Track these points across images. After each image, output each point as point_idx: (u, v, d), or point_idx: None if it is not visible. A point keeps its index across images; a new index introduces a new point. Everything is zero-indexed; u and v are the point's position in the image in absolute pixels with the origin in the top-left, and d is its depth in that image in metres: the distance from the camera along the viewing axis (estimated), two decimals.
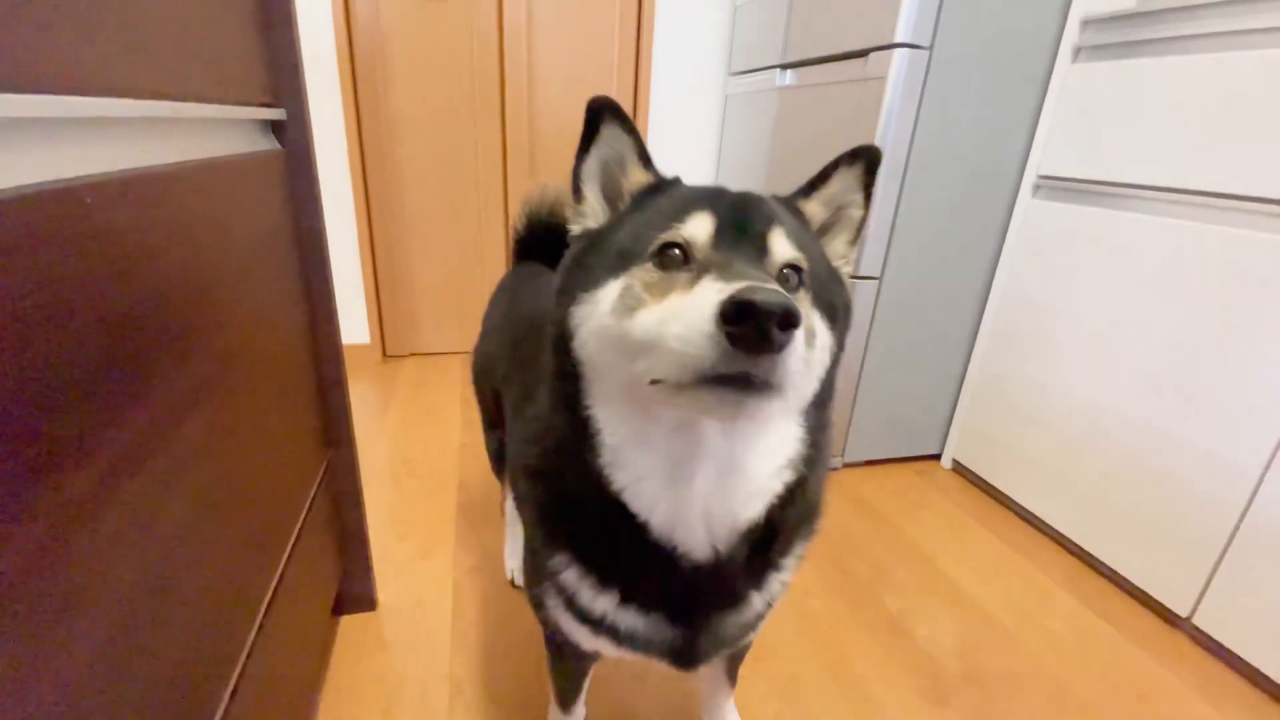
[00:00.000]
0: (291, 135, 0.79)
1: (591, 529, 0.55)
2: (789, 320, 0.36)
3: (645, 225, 0.50)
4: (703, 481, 0.49)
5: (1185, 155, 1.11)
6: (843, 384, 1.56)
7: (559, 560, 0.58)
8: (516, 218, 1.07)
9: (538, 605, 0.64)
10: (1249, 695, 1.04)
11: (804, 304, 0.48)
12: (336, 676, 0.98)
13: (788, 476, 0.51)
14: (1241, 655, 1.07)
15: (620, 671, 1.00)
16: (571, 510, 0.56)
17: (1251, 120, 1.01)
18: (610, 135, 0.53)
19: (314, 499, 0.86)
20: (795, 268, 0.48)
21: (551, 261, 0.78)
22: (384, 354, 2.25)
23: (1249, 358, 1.04)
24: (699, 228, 0.47)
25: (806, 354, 0.45)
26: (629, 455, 0.49)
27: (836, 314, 0.53)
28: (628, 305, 0.45)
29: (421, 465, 1.58)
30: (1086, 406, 1.31)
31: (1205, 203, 1.10)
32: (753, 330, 0.36)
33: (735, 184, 0.55)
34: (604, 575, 0.56)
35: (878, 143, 1.34)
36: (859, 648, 1.09)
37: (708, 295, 0.39)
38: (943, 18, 1.27)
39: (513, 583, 1.16)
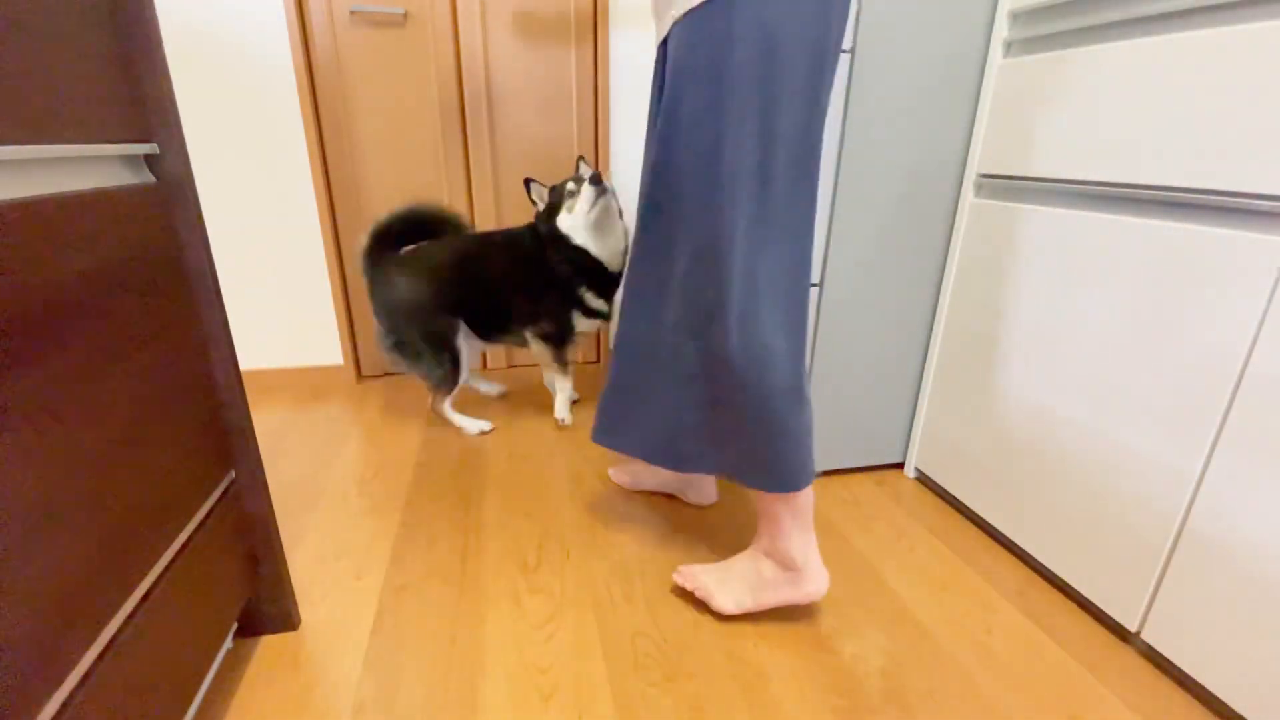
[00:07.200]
0: (166, 167, 0.81)
1: (588, 273, 1.77)
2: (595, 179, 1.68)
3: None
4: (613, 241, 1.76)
5: (1117, 148, 1.07)
6: None
7: (581, 286, 1.78)
8: (372, 235, 1.81)
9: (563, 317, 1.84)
10: (1195, 717, 0.98)
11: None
12: (247, 696, 0.99)
13: None
14: (1189, 673, 1.01)
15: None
16: (582, 270, 1.76)
17: (1181, 107, 0.97)
18: (536, 184, 1.45)
19: (206, 518, 0.88)
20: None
21: (407, 243, 1.85)
22: (358, 375, 2.29)
23: (1181, 356, 0.99)
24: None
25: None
26: (594, 240, 1.73)
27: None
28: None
29: (373, 484, 1.60)
30: (1032, 408, 1.26)
31: (1138, 195, 1.06)
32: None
33: None
34: (593, 287, 1.79)
35: None
36: (781, 667, 1.06)
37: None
38: (863, 20, 1.25)
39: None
